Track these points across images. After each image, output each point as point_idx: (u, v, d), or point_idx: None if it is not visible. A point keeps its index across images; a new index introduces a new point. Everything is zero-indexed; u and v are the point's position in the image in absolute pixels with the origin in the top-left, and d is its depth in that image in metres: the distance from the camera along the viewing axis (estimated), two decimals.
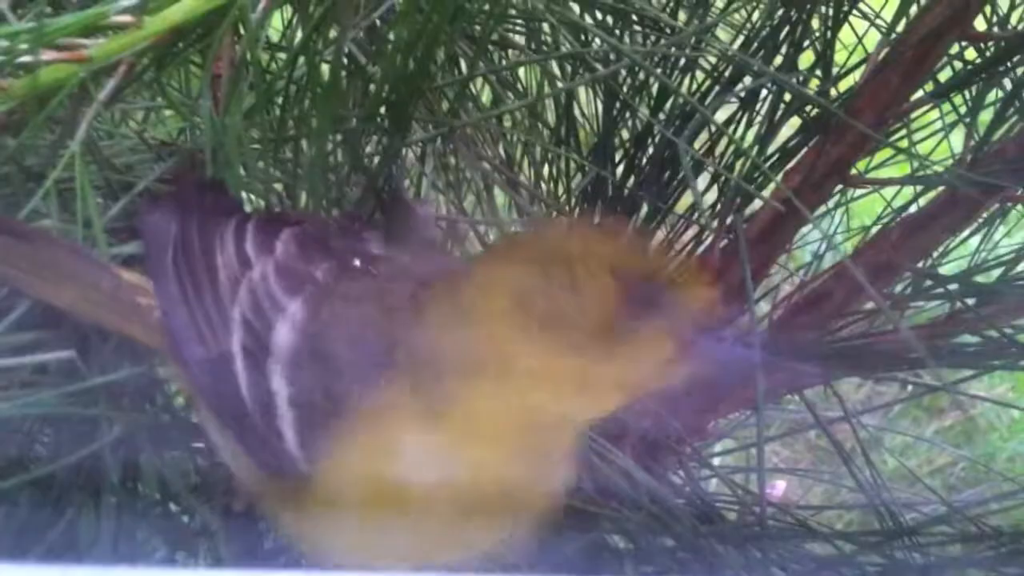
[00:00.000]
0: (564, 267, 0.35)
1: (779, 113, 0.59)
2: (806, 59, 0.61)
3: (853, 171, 0.58)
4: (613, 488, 0.54)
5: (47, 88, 0.42)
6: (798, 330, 0.61)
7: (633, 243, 0.39)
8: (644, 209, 0.64)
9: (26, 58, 0.41)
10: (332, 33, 0.48)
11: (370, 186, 0.50)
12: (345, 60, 0.49)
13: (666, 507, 0.54)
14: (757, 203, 0.61)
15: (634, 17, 0.59)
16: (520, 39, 0.61)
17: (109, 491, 0.45)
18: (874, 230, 0.63)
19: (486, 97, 0.63)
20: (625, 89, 0.62)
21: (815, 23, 0.59)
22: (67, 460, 0.43)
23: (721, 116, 0.62)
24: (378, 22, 0.50)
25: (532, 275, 0.35)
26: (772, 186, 0.59)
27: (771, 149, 0.61)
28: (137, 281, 0.41)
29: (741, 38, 0.62)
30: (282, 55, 0.52)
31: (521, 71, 0.67)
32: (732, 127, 0.61)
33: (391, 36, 0.50)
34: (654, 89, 0.63)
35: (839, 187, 0.60)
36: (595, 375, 0.35)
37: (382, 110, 0.49)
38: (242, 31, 0.44)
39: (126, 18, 0.42)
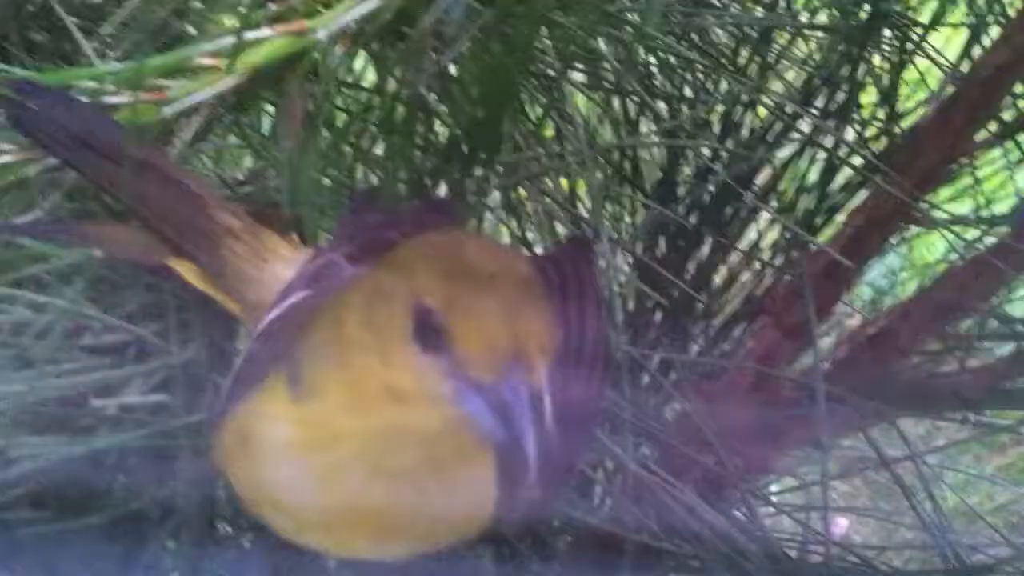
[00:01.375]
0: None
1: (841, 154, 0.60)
2: (870, 94, 0.61)
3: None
4: (678, 525, 0.54)
5: (134, 128, 0.44)
6: (862, 368, 0.60)
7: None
8: (706, 245, 0.64)
9: (113, 99, 0.43)
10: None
11: None
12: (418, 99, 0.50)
13: (731, 544, 0.54)
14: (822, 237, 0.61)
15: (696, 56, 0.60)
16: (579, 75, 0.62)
17: (188, 526, 0.46)
18: (939, 268, 0.63)
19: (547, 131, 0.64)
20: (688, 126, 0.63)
21: (877, 60, 0.60)
22: (149, 495, 0.44)
23: (785, 152, 0.63)
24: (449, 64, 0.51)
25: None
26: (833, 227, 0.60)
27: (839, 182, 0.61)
28: (239, 228, 0.42)
29: (804, 75, 0.62)
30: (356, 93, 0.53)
31: (582, 107, 0.68)
32: (794, 163, 0.62)
33: (460, 77, 0.51)
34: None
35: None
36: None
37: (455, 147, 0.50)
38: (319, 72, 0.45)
39: (209, 60, 0.44)
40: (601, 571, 0.55)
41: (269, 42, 0.43)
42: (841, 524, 0.88)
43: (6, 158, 0.45)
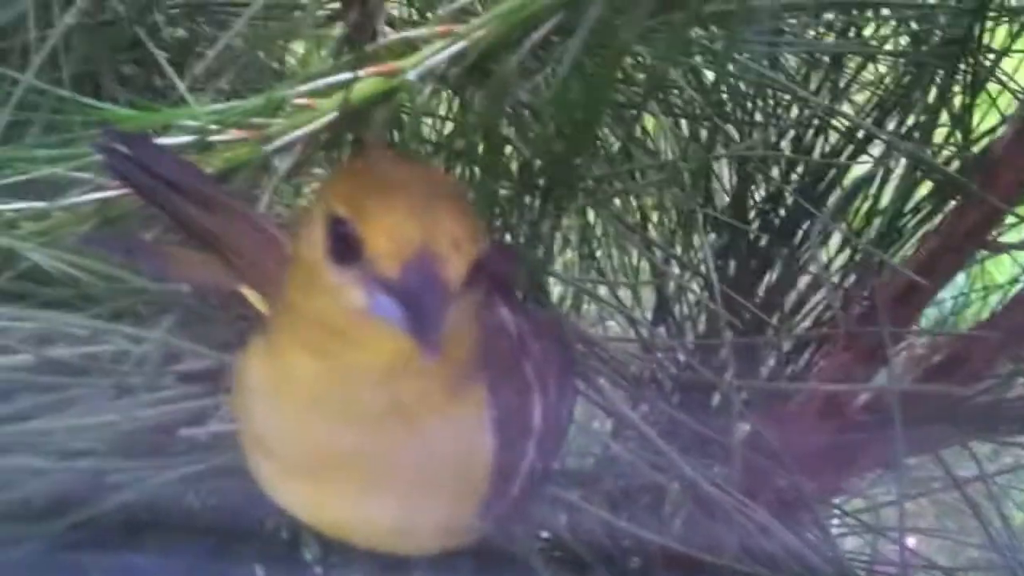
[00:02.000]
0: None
1: (916, 176, 0.60)
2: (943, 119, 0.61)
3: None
4: (751, 544, 0.55)
5: (229, 165, 0.46)
6: (931, 397, 0.61)
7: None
8: (777, 268, 0.65)
9: (215, 137, 0.44)
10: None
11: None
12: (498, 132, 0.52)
13: (805, 563, 0.54)
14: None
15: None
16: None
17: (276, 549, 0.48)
18: (1008, 290, 0.63)
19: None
20: (759, 149, 0.64)
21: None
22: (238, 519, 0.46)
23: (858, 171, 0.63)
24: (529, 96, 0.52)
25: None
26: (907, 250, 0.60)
27: (907, 210, 0.61)
28: None
29: (875, 99, 0.63)
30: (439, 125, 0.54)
31: (651, 126, 0.69)
32: (866, 189, 0.62)
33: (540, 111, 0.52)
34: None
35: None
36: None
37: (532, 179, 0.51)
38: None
39: (304, 100, 0.45)
40: None
41: (362, 82, 0.44)
42: (908, 543, 0.88)
43: (108, 193, 0.47)
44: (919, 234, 0.61)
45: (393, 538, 0.38)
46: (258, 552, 0.50)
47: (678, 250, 0.65)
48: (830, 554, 0.59)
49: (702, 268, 0.65)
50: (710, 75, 0.61)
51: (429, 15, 0.53)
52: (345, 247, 0.30)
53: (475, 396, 0.36)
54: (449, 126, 0.55)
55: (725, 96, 0.61)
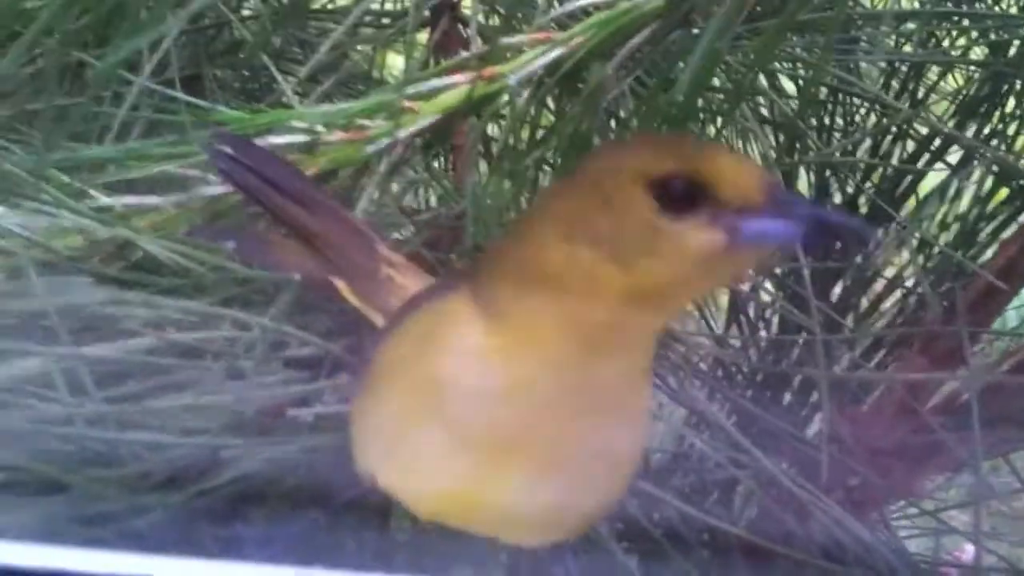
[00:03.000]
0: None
1: (991, 181, 0.61)
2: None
3: None
4: (823, 538, 0.56)
5: (334, 166, 0.49)
6: (1009, 394, 0.61)
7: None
8: (851, 273, 0.66)
9: (324, 138, 0.47)
10: None
11: None
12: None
13: (877, 558, 0.56)
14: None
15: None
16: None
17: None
18: None
19: None
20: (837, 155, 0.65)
21: None
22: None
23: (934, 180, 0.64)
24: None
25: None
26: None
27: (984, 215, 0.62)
28: (397, 261, 0.46)
29: (953, 107, 0.64)
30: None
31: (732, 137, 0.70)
32: (943, 194, 0.63)
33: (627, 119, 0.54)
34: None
35: None
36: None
37: None
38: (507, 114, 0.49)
39: (407, 103, 0.48)
40: None
41: (463, 87, 0.46)
42: (968, 550, 0.88)
43: (217, 190, 0.50)
44: (996, 241, 0.62)
45: (542, 523, 0.39)
46: (352, 529, 0.52)
47: None
48: (900, 551, 0.61)
49: (775, 270, 0.66)
50: (787, 83, 0.63)
51: (515, 23, 0.55)
52: (683, 199, 0.32)
53: (649, 388, 0.38)
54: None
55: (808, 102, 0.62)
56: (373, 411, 0.40)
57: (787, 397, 0.68)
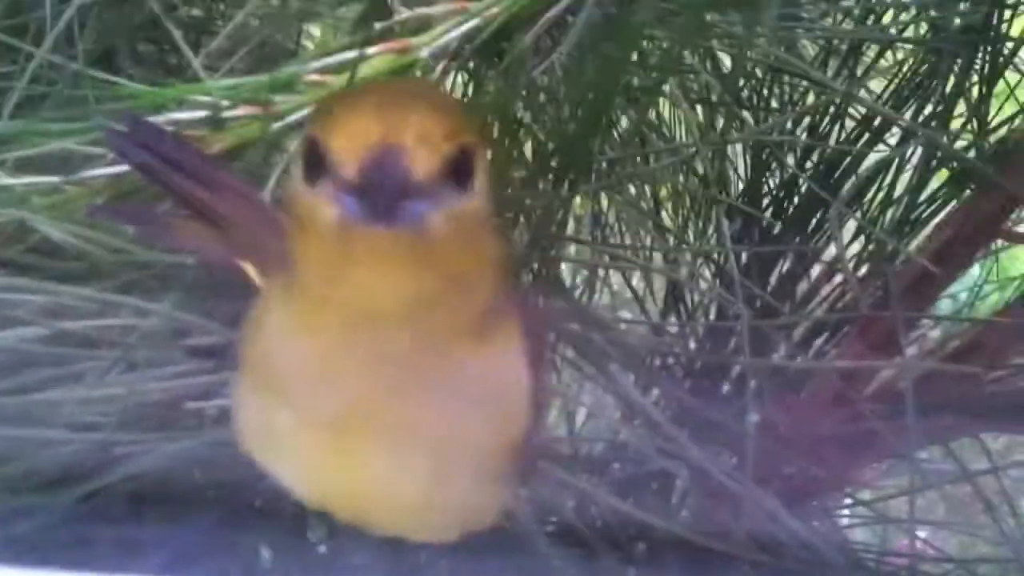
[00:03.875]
0: None
1: (931, 164, 0.60)
2: (959, 108, 0.61)
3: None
4: (759, 532, 0.55)
5: (240, 141, 0.46)
6: (945, 382, 0.60)
7: None
8: (790, 257, 0.64)
9: (227, 112, 0.44)
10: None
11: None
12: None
13: (814, 552, 0.54)
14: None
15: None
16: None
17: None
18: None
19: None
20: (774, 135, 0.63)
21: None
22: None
23: (872, 161, 0.63)
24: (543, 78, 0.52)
25: None
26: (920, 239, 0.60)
27: (923, 197, 0.61)
28: None
29: (892, 87, 0.62)
30: None
31: (667, 116, 0.68)
32: (881, 176, 0.62)
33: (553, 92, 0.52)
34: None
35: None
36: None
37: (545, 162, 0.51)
38: None
39: (317, 77, 0.45)
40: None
41: (376, 59, 0.44)
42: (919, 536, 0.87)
43: (119, 168, 0.47)
44: (933, 224, 0.60)
45: (417, 511, 0.36)
46: (262, 530, 0.50)
47: (691, 237, 0.64)
48: (838, 543, 0.59)
49: (714, 255, 0.65)
50: (726, 60, 0.61)
51: None
52: (316, 164, 0.29)
53: (507, 330, 0.34)
54: None
55: (741, 82, 0.60)
56: (240, 400, 0.38)
57: (725, 387, 0.67)
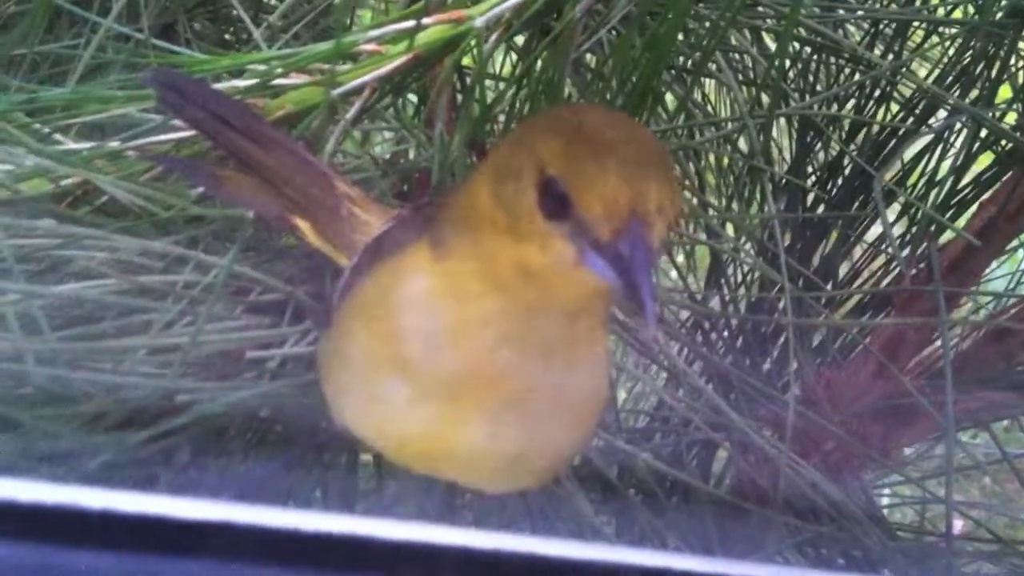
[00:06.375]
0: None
1: (975, 146, 0.60)
2: (1004, 92, 0.61)
3: None
4: (798, 500, 0.56)
5: (298, 108, 0.48)
6: (986, 361, 0.61)
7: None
8: (834, 236, 0.65)
9: (280, 81, 0.46)
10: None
11: None
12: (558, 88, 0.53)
13: (852, 519, 0.55)
14: (948, 234, 0.61)
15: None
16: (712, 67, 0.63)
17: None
18: None
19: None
20: (820, 118, 0.64)
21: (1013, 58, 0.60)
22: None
23: (916, 147, 0.63)
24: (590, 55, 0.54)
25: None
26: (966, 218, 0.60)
27: (966, 180, 0.61)
28: (357, 196, 0.46)
29: (938, 71, 0.63)
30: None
31: (712, 96, 0.70)
32: (926, 158, 0.62)
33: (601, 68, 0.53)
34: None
35: None
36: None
37: None
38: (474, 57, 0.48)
39: (372, 47, 0.47)
40: (721, 537, 0.57)
41: (430, 29, 0.46)
42: (956, 525, 0.87)
43: (180, 134, 0.49)
44: (977, 204, 0.61)
45: (505, 467, 0.39)
46: (317, 477, 0.52)
47: (735, 212, 0.65)
48: (876, 517, 0.60)
49: (756, 235, 0.66)
50: (771, 44, 0.62)
51: None
52: (557, 204, 0.32)
53: (605, 340, 0.40)
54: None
55: (788, 63, 0.61)
56: (339, 358, 0.41)
57: (767, 362, 0.68)
